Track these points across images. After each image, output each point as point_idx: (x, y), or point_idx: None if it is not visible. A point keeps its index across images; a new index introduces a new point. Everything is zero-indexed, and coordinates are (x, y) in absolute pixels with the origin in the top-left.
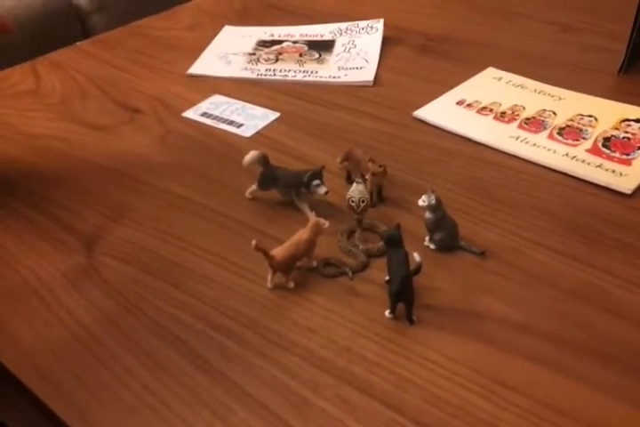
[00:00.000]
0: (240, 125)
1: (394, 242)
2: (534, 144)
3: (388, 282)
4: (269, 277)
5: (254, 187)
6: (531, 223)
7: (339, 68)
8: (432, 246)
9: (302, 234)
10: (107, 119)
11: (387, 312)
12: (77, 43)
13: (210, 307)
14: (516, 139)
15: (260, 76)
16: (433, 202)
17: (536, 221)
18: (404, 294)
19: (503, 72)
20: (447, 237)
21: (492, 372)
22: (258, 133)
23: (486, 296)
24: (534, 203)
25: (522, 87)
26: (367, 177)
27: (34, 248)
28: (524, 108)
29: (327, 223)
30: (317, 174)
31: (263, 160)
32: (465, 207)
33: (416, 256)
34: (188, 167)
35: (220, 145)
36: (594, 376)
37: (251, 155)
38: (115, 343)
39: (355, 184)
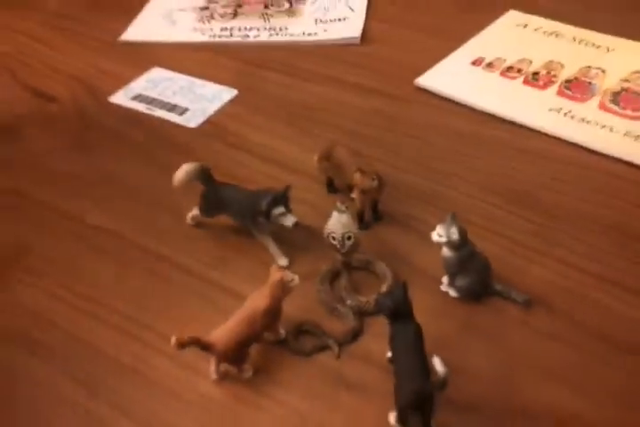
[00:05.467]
0: (184, 111)
1: (399, 314)
2: (582, 119)
3: (391, 361)
4: (212, 368)
5: (196, 211)
6: (595, 247)
7: (315, 22)
8: (453, 293)
9: (258, 301)
10: (10, 113)
11: (391, 418)
12: None
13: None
14: (558, 112)
15: (213, 39)
16: (455, 237)
17: (602, 243)
18: (417, 407)
19: (530, 16)
20: (475, 281)
21: None
22: (207, 122)
23: (540, 376)
24: (595, 213)
25: (556, 36)
26: (354, 194)
27: None
28: (562, 65)
29: (296, 279)
30: (281, 198)
31: (204, 176)
32: (497, 225)
33: (438, 364)
34: (111, 181)
35: (155, 142)
36: None
37: (184, 170)
38: None
39: (335, 214)
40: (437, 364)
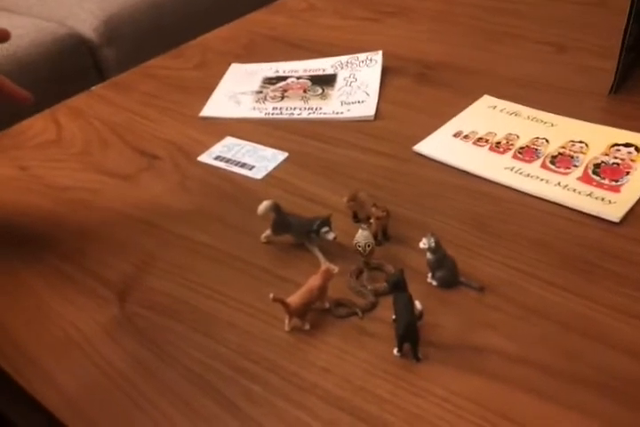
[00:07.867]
0: (252, 168)
1: (398, 287)
2: (528, 175)
3: (394, 321)
4: (287, 321)
5: (268, 232)
6: (525, 255)
7: (341, 103)
8: (434, 283)
9: (314, 281)
10: (127, 167)
11: (395, 350)
12: (92, 88)
13: (235, 353)
14: (511, 170)
15: (267, 116)
16: (433, 245)
17: (530, 253)
18: (409, 336)
19: (498, 100)
20: (448, 274)
21: (495, 405)
22: (268, 175)
23: (485, 330)
24: (528, 234)
25: (516, 115)
26: (372, 220)
27: (72, 301)
28: (517, 136)
29: (337, 269)
30: (326, 222)
31: (276, 209)
32: (464, 242)
33: (417, 304)
34: (207, 213)
35: (234, 189)
36: (590, 406)
37: (264, 205)
38: (151, 390)
39: (360, 230)
40: (417, 304)
